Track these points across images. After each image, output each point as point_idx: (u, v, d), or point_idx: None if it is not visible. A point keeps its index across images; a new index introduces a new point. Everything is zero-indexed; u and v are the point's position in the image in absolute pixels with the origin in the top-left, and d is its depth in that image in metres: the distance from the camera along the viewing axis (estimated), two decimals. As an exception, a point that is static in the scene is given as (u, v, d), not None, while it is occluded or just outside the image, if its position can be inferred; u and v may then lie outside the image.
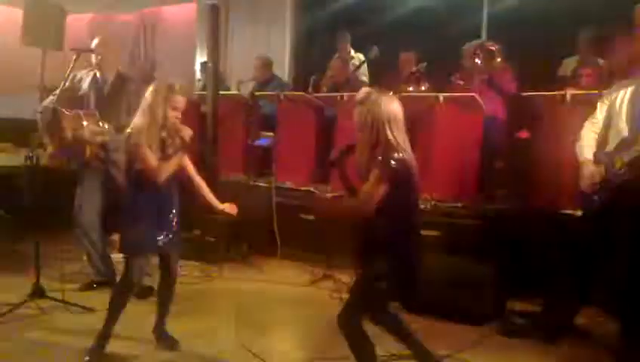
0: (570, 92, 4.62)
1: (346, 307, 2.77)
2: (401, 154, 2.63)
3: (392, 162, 2.60)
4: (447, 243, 4.45)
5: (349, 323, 2.73)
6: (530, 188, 4.89)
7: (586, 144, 3.61)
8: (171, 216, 3.28)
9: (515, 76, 5.28)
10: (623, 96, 3.50)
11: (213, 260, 5.12)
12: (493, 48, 5.24)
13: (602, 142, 3.58)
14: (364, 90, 2.83)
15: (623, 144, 3.42)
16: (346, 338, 2.73)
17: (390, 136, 2.64)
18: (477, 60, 5.22)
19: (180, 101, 3.15)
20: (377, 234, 2.67)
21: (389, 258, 2.67)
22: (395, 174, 2.61)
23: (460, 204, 4.84)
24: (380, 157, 2.62)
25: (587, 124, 3.68)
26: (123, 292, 3.28)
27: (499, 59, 5.20)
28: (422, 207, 4.80)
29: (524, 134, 5.43)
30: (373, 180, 2.61)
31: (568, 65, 5.40)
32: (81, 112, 4.05)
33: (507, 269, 4.14)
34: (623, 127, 3.44)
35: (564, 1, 5.65)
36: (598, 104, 3.67)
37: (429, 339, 3.09)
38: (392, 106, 2.70)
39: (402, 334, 3.00)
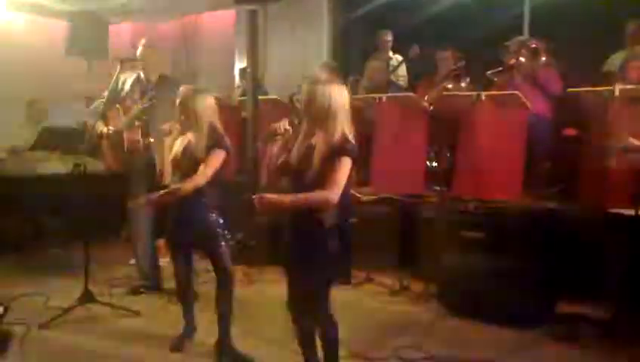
0: (619, 87, 4.46)
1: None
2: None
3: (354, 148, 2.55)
4: (492, 244, 4.34)
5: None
6: (581, 187, 4.72)
7: None
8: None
9: (560, 74, 5.13)
10: None
11: (255, 263, 5.14)
12: (537, 46, 5.11)
13: None
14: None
15: None
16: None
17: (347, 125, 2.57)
18: (521, 58, 5.09)
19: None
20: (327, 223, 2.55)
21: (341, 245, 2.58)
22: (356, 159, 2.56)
23: (505, 204, 4.71)
24: (343, 144, 2.53)
25: None
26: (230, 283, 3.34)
27: (543, 58, 5.06)
28: (466, 207, 4.73)
29: (571, 132, 5.26)
30: (341, 167, 2.50)
31: (615, 60, 5.22)
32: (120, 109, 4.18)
33: (556, 271, 4.02)
34: None
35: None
36: None
37: (478, 344, 3.02)
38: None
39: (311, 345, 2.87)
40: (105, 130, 4.37)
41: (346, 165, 2.51)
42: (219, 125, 3.31)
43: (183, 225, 3.29)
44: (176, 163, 3.33)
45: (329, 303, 2.66)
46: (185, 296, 3.54)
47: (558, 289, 4.07)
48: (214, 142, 3.23)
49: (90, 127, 4.37)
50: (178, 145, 3.35)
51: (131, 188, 4.39)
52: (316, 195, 2.50)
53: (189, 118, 3.27)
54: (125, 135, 4.29)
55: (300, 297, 2.70)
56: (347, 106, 2.61)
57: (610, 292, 3.80)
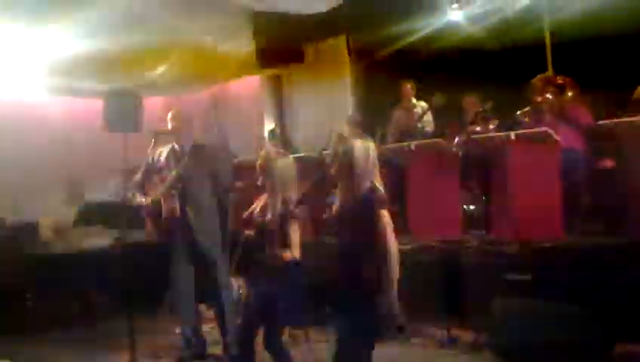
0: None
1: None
2: None
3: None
4: (540, 286, 4.21)
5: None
6: (624, 219, 4.59)
7: None
8: None
9: (589, 107, 5.09)
10: None
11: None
12: (562, 81, 5.10)
13: None
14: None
15: None
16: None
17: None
18: (548, 95, 5.09)
19: None
20: None
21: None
22: None
23: (549, 244, 4.59)
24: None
25: None
26: None
27: (570, 93, 5.04)
28: (507, 249, 4.63)
29: (608, 163, 5.16)
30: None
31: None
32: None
33: (611, 309, 3.85)
34: None
35: (629, 25, 5.45)
36: None
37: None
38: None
39: None
40: (144, 200, 4.47)
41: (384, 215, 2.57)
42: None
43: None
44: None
45: None
46: None
47: (616, 329, 3.89)
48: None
49: (129, 200, 4.49)
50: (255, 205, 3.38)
51: (172, 256, 4.45)
52: None
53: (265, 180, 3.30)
54: (163, 203, 4.38)
55: None
56: (374, 159, 2.65)
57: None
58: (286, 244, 3.12)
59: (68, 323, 5.49)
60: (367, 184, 2.59)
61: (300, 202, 3.08)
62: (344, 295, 2.66)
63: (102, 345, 4.90)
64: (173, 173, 4.37)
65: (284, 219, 3.13)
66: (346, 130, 4.47)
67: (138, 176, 4.53)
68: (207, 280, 4.42)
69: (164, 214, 4.38)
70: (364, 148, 2.65)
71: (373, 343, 2.65)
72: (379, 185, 2.63)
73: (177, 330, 4.68)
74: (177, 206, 4.38)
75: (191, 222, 4.37)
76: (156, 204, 4.42)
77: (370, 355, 2.68)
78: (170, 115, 4.61)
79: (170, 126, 4.58)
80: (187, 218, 4.40)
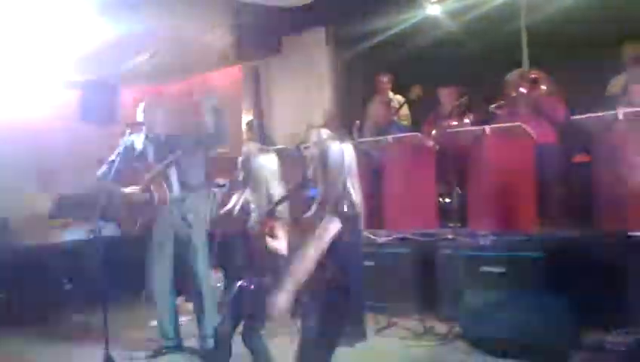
0: (622, 110, 4.48)
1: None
2: None
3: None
4: (513, 278, 4.29)
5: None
6: (596, 212, 4.68)
7: None
8: None
9: (563, 101, 5.16)
10: None
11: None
12: (536, 76, 5.17)
13: None
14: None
15: None
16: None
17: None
18: (521, 89, 5.15)
19: None
20: None
21: None
22: None
23: (520, 237, 4.67)
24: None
25: None
26: None
27: (544, 87, 5.11)
28: (481, 242, 4.70)
29: (582, 158, 5.26)
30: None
31: (616, 83, 5.24)
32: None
33: (580, 300, 3.94)
34: None
35: (604, 20, 5.53)
36: None
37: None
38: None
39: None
40: (132, 189, 4.39)
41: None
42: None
43: None
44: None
45: None
46: None
47: (583, 318, 3.98)
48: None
49: (107, 189, 4.40)
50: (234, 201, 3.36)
51: (152, 246, 4.40)
52: None
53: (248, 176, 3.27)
54: (154, 191, 4.33)
55: None
56: (350, 162, 2.65)
57: (635, 317, 3.72)
58: (271, 240, 3.10)
59: (43, 318, 5.42)
60: (339, 189, 2.59)
61: (280, 202, 3.07)
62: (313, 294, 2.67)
63: (77, 340, 4.84)
64: (165, 162, 4.33)
65: (270, 215, 3.10)
66: (323, 127, 4.43)
67: (116, 165, 4.41)
68: (185, 269, 4.39)
69: (156, 200, 4.31)
70: (340, 151, 2.65)
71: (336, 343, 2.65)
72: (355, 188, 2.63)
73: (152, 323, 4.66)
74: (167, 193, 4.34)
75: (180, 208, 4.34)
76: (135, 194, 4.36)
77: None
78: (140, 106, 4.54)
79: (141, 118, 4.51)
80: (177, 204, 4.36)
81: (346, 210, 2.55)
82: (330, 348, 2.63)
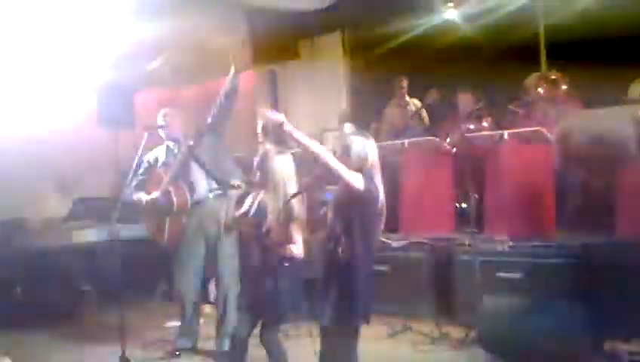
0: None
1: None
2: None
3: None
4: (531, 284, 4.22)
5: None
6: (619, 218, 4.59)
7: None
8: None
9: (582, 103, 5.10)
10: None
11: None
12: (555, 77, 5.12)
13: None
14: None
15: None
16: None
17: None
18: (540, 90, 5.10)
19: None
20: None
21: None
22: None
23: (539, 243, 4.59)
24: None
25: None
26: None
27: (564, 87, 5.06)
28: (499, 248, 4.64)
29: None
30: None
31: (637, 87, 5.16)
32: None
33: (600, 307, 3.86)
34: None
35: (624, 23, 5.46)
36: None
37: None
38: None
39: None
40: (147, 198, 4.37)
41: None
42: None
43: None
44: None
45: None
46: None
47: (604, 327, 3.90)
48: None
49: (129, 197, 4.41)
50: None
51: (185, 245, 4.39)
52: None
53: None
54: (173, 195, 4.29)
55: None
56: (373, 158, 2.67)
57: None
58: (288, 241, 3.11)
59: (58, 318, 5.44)
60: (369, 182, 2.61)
61: (296, 194, 3.07)
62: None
63: (93, 340, 4.85)
64: (177, 162, 4.33)
65: (287, 216, 3.11)
66: (340, 126, 4.46)
67: (140, 178, 4.44)
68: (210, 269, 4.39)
69: (175, 207, 4.29)
70: (363, 145, 2.69)
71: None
72: (379, 181, 2.64)
73: (168, 324, 4.67)
74: (187, 196, 4.31)
75: (208, 209, 4.33)
76: (164, 195, 4.31)
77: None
78: (162, 112, 4.55)
79: (162, 123, 4.51)
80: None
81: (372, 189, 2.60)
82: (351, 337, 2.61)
